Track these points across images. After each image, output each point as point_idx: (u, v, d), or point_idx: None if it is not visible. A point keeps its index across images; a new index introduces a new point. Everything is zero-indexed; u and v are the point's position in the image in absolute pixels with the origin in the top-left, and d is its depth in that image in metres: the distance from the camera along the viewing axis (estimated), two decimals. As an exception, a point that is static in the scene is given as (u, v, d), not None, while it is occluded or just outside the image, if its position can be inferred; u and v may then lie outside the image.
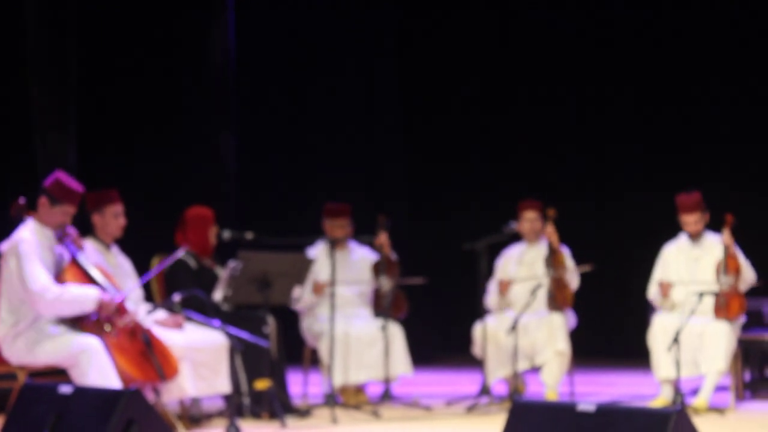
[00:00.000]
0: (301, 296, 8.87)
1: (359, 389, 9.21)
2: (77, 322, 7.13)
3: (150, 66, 12.16)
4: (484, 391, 9.10)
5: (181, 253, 8.13)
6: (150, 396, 7.17)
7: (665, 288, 8.81)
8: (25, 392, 5.60)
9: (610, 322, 12.07)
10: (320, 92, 13.08)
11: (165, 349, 7.35)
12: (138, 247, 8.35)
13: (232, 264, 8.21)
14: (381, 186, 12.99)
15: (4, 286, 7.09)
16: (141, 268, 8.11)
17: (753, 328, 9.36)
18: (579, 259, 9.28)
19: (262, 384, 8.01)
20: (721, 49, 12.13)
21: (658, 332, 8.66)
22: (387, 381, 9.15)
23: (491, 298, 9.33)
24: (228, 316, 8.15)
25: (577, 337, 9.17)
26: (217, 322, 7.61)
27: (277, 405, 7.98)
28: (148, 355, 7.19)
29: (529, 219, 9.33)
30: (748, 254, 8.79)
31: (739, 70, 12.10)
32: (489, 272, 9.40)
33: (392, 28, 13.16)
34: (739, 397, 9.04)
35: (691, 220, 8.83)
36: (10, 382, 7.14)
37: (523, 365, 9.04)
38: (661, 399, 8.68)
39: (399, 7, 13.18)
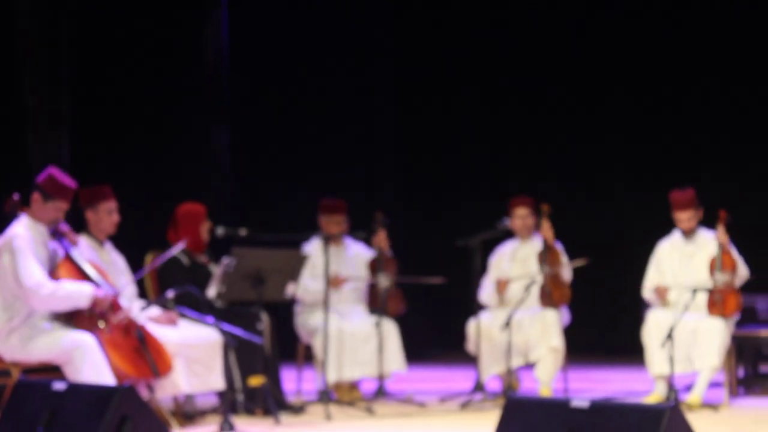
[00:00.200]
0: (308, 287, 8.89)
1: (353, 386, 9.21)
2: (71, 319, 7.13)
3: (143, 63, 12.15)
4: (478, 387, 9.10)
5: (180, 247, 8.10)
6: (144, 392, 7.17)
7: (662, 292, 8.81)
8: (18, 389, 5.59)
9: (604, 318, 12.08)
10: (313, 88, 13.08)
11: (159, 345, 7.35)
12: (131, 243, 8.34)
13: (225, 260, 8.21)
14: (374, 182, 12.99)
15: (-2, 282, 7.09)
16: (134, 264, 8.11)
17: (747, 325, 9.37)
18: (572, 256, 9.28)
19: (256, 380, 8.01)
20: (716, 46, 12.14)
21: (652, 328, 8.67)
22: (381, 377, 9.15)
23: (486, 293, 9.32)
24: (222, 313, 8.15)
25: (571, 333, 9.17)
26: (210, 319, 7.61)
27: (271, 401, 7.97)
28: (142, 352, 7.18)
29: (520, 216, 9.33)
30: (741, 250, 8.80)
31: (734, 68, 12.11)
32: (483, 268, 9.40)
33: (388, 25, 13.17)
34: (733, 394, 9.04)
35: (684, 216, 8.83)
36: (3, 378, 7.12)
37: (517, 362, 9.04)
38: (654, 395, 8.68)
39: (395, 4, 13.17)
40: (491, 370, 9.11)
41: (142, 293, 8.22)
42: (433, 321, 12.65)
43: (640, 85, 12.55)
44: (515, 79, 12.91)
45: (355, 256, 9.43)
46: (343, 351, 9.04)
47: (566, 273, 9.16)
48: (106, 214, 7.79)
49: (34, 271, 6.97)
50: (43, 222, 7.19)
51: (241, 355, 8.11)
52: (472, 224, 9.85)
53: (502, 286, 9.22)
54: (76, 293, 7.04)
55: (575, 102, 12.81)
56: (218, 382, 7.81)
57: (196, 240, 8.51)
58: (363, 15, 13.11)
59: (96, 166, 11.18)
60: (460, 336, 9.36)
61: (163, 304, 7.75)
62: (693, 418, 4.95)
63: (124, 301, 7.45)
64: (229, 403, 7.69)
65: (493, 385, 9.39)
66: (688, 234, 8.89)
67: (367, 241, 9.36)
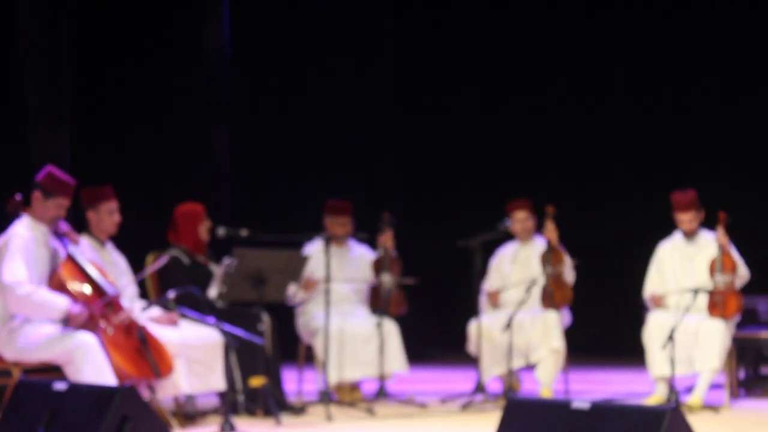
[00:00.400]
0: (296, 292, 8.87)
1: (354, 386, 9.20)
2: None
3: (143, 63, 12.14)
4: (479, 388, 9.10)
5: (163, 262, 8.05)
6: (145, 393, 7.16)
7: (657, 301, 8.83)
8: (19, 389, 5.60)
9: (605, 319, 12.07)
10: (315, 89, 13.07)
11: (160, 346, 7.35)
12: (132, 244, 8.34)
13: (226, 261, 8.21)
14: (374, 182, 12.98)
15: (-1, 283, 7.09)
16: (136, 265, 8.11)
17: (747, 326, 9.36)
18: (572, 256, 9.27)
19: (256, 381, 8.01)
20: (716, 46, 12.14)
21: (653, 330, 8.66)
22: (382, 378, 9.15)
23: (483, 302, 9.34)
24: (223, 313, 8.14)
25: (571, 334, 9.17)
26: (211, 319, 7.61)
27: (272, 402, 7.97)
28: (143, 352, 7.18)
29: (519, 219, 9.33)
30: (741, 251, 8.79)
31: (734, 68, 12.11)
32: (484, 270, 9.40)
33: (389, 26, 13.16)
34: (734, 395, 9.04)
35: (686, 218, 8.83)
36: (4, 378, 7.12)
37: (517, 363, 9.03)
38: (655, 397, 8.68)
39: (395, 4, 13.17)
40: (492, 372, 9.11)
41: (144, 293, 8.22)
42: (434, 322, 12.65)
43: (640, 85, 12.55)
44: (515, 79, 12.90)
45: (358, 257, 9.43)
46: (344, 352, 9.04)
47: (569, 274, 9.16)
48: (108, 214, 7.79)
49: (17, 271, 6.97)
50: (45, 221, 7.20)
51: (242, 356, 8.11)
52: (473, 225, 9.86)
53: (494, 298, 9.26)
54: (51, 304, 7.01)
55: (575, 102, 12.80)
56: (219, 383, 7.81)
57: (196, 240, 8.51)
58: (363, 15, 13.10)
59: (96, 166, 11.17)
60: (461, 337, 9.36)
61: (164, 305, 7.74)
62: (694, 420, 4.95)
63: (125, 302, 7.45)
64: (229, 404, 7.69)
65: (494, 386, 9.38)
66: (690, 235, 8.89)
67: (370, 242, 9.36)
